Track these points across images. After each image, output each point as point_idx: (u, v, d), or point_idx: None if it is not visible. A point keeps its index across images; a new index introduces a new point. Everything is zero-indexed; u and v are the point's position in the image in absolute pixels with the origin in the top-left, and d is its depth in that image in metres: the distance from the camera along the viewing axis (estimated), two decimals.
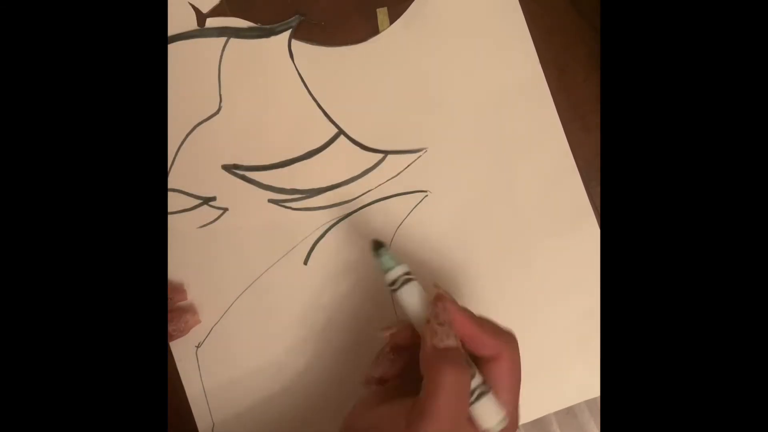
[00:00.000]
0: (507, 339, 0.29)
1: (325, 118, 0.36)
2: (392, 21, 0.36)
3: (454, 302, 0.29)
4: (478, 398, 0.27)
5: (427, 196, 0.37)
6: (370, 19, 0.36)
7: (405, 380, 0.30)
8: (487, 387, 0.27)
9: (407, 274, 0.29)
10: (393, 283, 0.29)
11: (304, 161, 0.36)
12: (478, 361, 0.28)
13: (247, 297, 0.36)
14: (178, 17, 0.35)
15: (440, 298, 0.28)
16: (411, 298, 0.29)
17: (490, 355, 0.28)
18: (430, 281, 0.37)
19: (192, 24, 0.35)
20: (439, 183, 0.37)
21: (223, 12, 0.35)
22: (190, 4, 0.35)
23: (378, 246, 0.30)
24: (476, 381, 0.27)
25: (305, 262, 0.36)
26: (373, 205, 0.37)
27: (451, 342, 0.27)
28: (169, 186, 0.35)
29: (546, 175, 0.37)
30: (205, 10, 0.35)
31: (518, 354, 0.29)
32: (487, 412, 0.27)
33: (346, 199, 0.36)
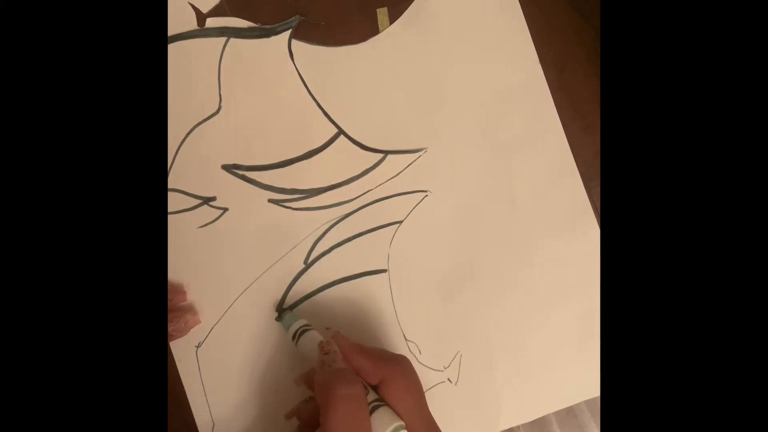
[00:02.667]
0: (396, 362, 0.31)
1: (325, 118, 0.36)
2: (392, 21, 0.36)
3: (342, 337, 0.32)
4: (372, 411, 0.28)
5: (427, 196, 0.37)
6: (370, 19, 0.36)
7: None
8: (380, 402, 0.29)
9: (304, 326, 0.33)
10: (293, 337, 0.33)
11: (304, 161, 0.36)
12: (374, 389, 0.30)
13: (247, 297, 0.36)
14: (178, 17, 0.35)
15: (330, 335, 0.32)
16: (308, 344, 0.32)
17: (380, 380, 0.30)
18: (429, 282, 0.37)
19: (192, 24, 0.35)
20: (439, 183, 0.37)
21: (223, 12, 0.35)
22: (190, 4, 0.35)
23: (280, 312, 0.35)
24: (370, 397, 0.29)
25: (305, 262, 0.36)
26: (373, 205, 0.37)
27: (339, 365, 0.30)
28: (169, 186, 0.35)
29: (546, 175, 0.37)
30: (205, 10, 0.35)
31: (410, 373, 0.31)
32: (382, 421, 0.28)
33: (346, 199, 0.36)
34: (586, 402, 0.38)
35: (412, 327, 0.37)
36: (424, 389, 0.37)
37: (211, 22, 0.35)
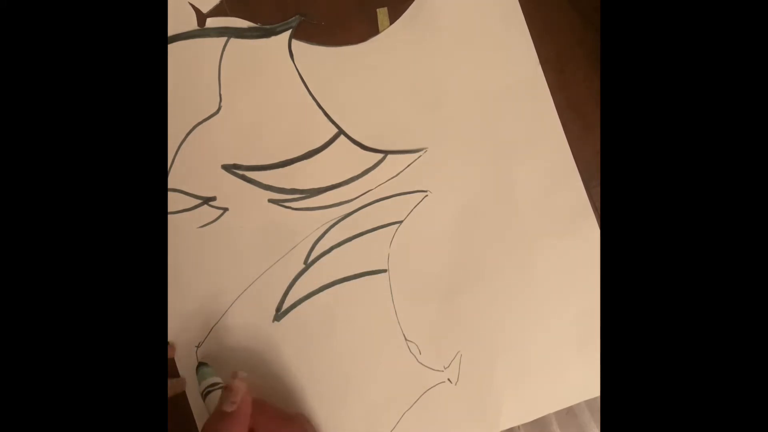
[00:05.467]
0: (295, 424, 0.32)
1: (325, 118, 0.36)
2: (392, 21, 0.36)
3: (247, 389, 0.31)
4: None
5: (427, 196, 0.37)
6: (370, 19, 0.36)
7: None
8: None
9: (215, 384, 0.33)
10: (203, 392, 0.34)
11: (304, 161, 0.36)
12: None
13: (247, 297, 0.36)
14: (178, 17, 0.35)
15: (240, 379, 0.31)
16: (214, 402, 0.32)
17: None
18: (429, 282, 0.37)
19: (192, 24, 0.35)
20: (439, 183, 0.37)
21: (223, 12, 0.35)
22: (190, 4, 0.35)
23: (199, 365, 0.35)
24: None
25: (305, 262, 0.36)
26: (373, 205, 0.37)
27: (228, 407, 0.30)
28: (169, 186, 0.35)
29: (546, 175, 0.37)
30: (205, 10, 0.35)
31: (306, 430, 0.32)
32: None
33: (346, 199, 0.36)
34: (586, 402, 0.38)
35: (412, 327, 0.37)
36: (424, 389, 0.37)
37: (211, 22, 0.35)
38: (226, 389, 0.31)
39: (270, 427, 0.32)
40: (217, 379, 0.34)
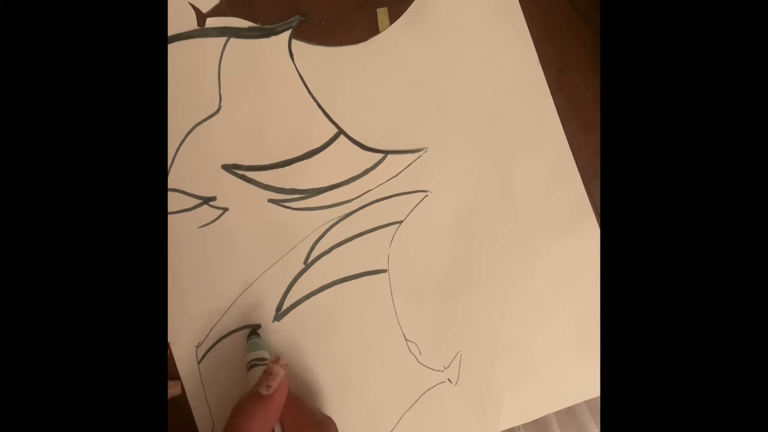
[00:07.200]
0: (322, 428, 0.32)
1: (325, 118, 0.36)
2: (392, 21, 0.36)
3: (284, 374, 0.31)
4: None
5: (427, 196, 0.37)
6: (370, 19, 0.36)
7: None
8: None
9: (262, 359, 0.33)
10: (248, 363, 0.33)
11: (304, 161, 0.36)
12: None
13: (247, 297, 0.36)
14: (178, 17, 0.35)
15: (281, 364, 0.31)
16: (254, 378, 0.32)
17: None
18: (429, 282, 0.37)
19: (192, 24, 0.35)
20: (439, 183, 0.37)
21: (223, 12, 0.35)
22: (190, 4, 0.35)
23: (251, 332, 0.35)
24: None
25: (305, 262, 0.36)
26: (373, 205, 0.37)
27: (263, 390, 0.30)
28: (169, 186, 0.35)
29: (546, 175, 0.37)
30: (205, 10, 0.35)
31: None
32: None
33: (346, 199, 0.36)
34: (586, 402, 0.38)
35: (412, 327, 0.37)
36: (424, 389, 0.37)
37: (211, 22, 0.35)
38: (265, 372, 0.31)
39: (299, 425, 0.31)
40: (265, 354, 0.34)
